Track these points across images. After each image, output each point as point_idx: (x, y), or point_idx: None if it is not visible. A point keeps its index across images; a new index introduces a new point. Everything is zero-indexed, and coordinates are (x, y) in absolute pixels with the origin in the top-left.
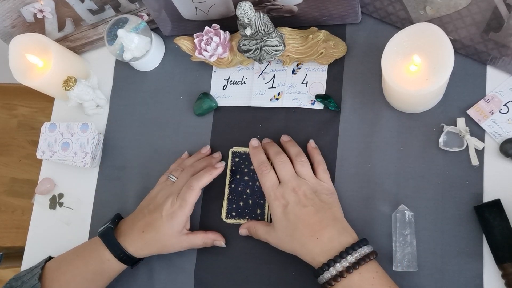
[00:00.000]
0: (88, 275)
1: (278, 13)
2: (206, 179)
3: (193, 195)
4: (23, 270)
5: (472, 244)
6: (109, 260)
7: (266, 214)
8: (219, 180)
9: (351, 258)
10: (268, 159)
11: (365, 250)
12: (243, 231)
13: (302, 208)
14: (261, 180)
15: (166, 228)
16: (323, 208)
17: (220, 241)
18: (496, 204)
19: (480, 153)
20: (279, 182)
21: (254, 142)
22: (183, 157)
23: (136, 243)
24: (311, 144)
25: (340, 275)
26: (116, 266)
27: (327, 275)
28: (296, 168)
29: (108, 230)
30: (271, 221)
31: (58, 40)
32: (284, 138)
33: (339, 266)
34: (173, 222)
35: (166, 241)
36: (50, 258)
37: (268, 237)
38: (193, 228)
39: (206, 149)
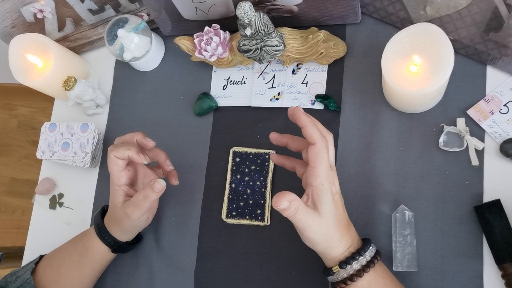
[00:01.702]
0: (75, 257)
1: (278, 13)
2: (121, 151)
3: (109, 164)
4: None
5: (472, 244)
6: (91, 237)
7: (266, 214)
8: (220, 180)
9: (373, 248)
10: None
11: (374, 245)
12: (284, 204)
13: (341, 198)
14: (321, 156)
15: (112, 201)
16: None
17: (156, 182)
18: (496, 204)
19: (480, 153)
20: None
21: (298, 109)
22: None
23: (107, 220)
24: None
25: (368, 265)
26: (97, 245)
27: (356, 265)
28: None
29: (100, 208)
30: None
31: (58, 40)
32: (300, 108)
33: (367, 255)
34: (110, 195)
35: (116, 213)
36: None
37: (312, 220)
38: (192, 228)
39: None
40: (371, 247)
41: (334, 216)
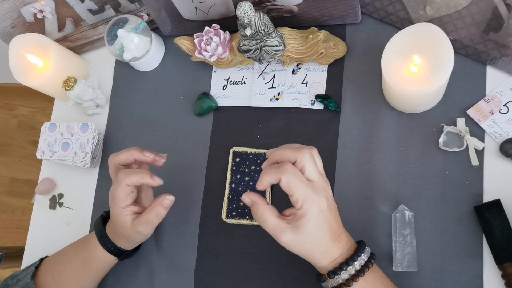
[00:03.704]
0: (78, 264)
1: (278, 13)
2: (135, 178)
3: (118, 189)
4: (21, 269)
5: (472, 244)
6: (95, 248)
7: None
8: (220, 180)
9: (364, 256)
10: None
11: (368, 250)
12: (247, 200)
13: (331, 212)
14: (292, 186)
15: (116, 221)
16: (337, 210)
17: (167, 199)
18: (496, 204)
19: (480, 153)
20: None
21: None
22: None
23: (111, 233)
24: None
25: (358, 274)
26: (103, 255)
27: (344, 275)
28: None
29: (99, 218)
30: None
31: (58, 40)
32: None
33: (357, 265)
34: (113, 214)
35: (123, 231)
36: (46, 257)
37: (282, 236)
38: (192, 228)
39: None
40: (362, 255)
41: (314, 233)
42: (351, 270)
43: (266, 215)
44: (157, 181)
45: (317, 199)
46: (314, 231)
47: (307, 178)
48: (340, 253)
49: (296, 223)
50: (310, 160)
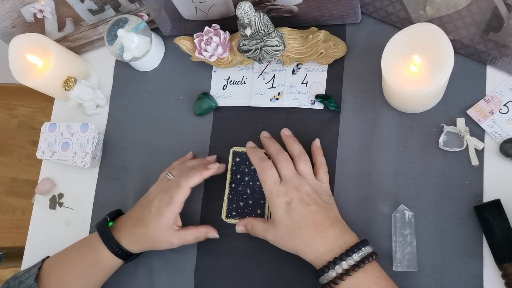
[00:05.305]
0: (83, 267)
1: (278, 13)
2: (196, 179)
3: (180, 193)
4: (22, 270)
5: (472, 244)
6: (102, 252)
7: (266, 214)
8: (220, 180)
9: (356, 257)
10: (268, 157)
11: (367, 249)
12: (239, 228)
13: (306, 206)
14: (263, 176)
15: (155, 224)
16: (325, 208)
17: (212, 233)
18: (496, 204)
19: (480, 153)
20: (280, 180)
21: (250, 143)
22: (187, 156)
23: (128, 237)
24: (316, 143)
25: (346, 273)
26: (110, 259)
27: (332, 273)
28: (299, 166)
29: (103, 222)
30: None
31: (58, 40)
32: (286, 133)
33: (345, 264)
34: (160, 219)
35: (156, 237)
36: (48, 257)
37: (267, 235)
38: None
39: (212, 158)
40: (353, 255)
41: (288, 225)
42: (338, 269)
43: (254, 224)
44: (214, 168)
45: (281, 193)
46: (286, 222)
47: (280, 174)
48: (328, 249)
49: (272, 219)
50: (282, 160)
